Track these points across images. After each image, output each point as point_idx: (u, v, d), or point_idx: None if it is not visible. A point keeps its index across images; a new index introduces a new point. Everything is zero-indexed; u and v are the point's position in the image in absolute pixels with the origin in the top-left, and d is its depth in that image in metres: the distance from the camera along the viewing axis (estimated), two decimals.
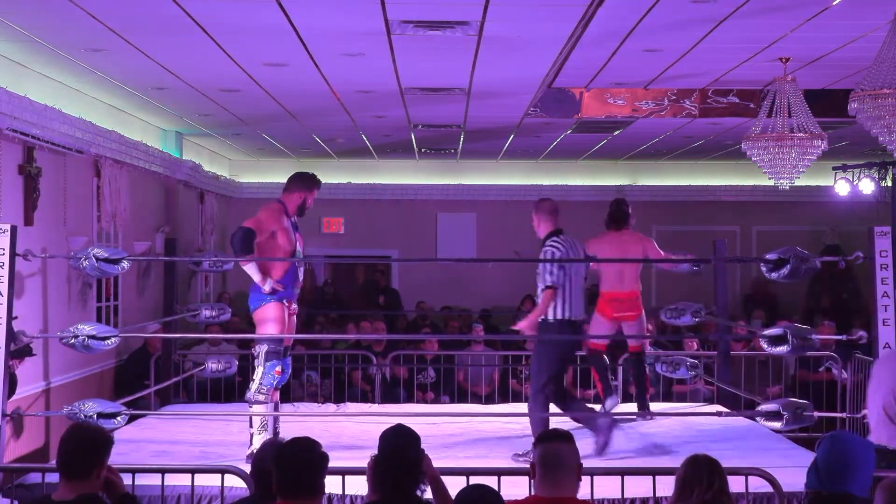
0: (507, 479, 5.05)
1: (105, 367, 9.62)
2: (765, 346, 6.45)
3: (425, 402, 10.25)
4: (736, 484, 4.71)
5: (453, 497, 3.94)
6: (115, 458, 4.01)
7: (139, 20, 6.50)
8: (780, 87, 7.82)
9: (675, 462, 4.06)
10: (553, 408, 7.04)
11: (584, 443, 6.76)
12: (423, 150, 14.33)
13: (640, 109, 9.38)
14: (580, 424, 7.34)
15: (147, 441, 7.37)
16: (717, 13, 6.45)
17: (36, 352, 7.52)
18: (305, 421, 7.63)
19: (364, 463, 4.06)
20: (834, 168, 13.21)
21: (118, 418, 6.36)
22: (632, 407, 8.73)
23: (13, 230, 6.27)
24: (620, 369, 9.60)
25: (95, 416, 6.17)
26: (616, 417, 8.31)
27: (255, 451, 6.21)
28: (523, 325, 7.09)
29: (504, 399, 10.09)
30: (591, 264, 7.56)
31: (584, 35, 6.84)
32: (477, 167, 15.84)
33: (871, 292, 6.43)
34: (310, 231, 13.93)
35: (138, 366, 9.64)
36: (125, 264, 6.59)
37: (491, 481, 4.43)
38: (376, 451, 4.07)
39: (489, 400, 10.28)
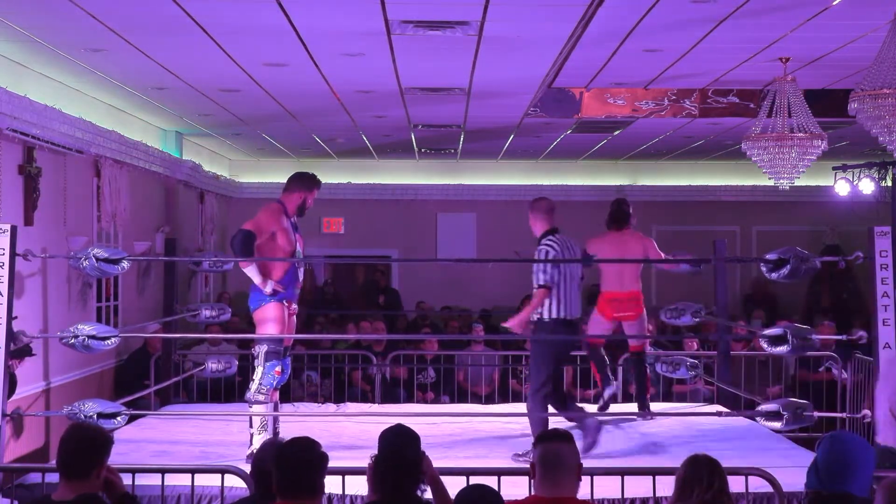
0: (507, 479, 5.05)
1: (105, 367, 9.62)
2: (765, 346, 6.45)
3: (425, 402, 10.25)
4: (736, 484, 4.71)
5: (453, 497, 3.94)
6: (115, 458, 4.01)
7: (139, 20, 6.50)
8: (780, 87, 7.82)
9: (675, 462, 4.06)
10: (551, 408, 7.05)
11: (585, 442, 6.78)
12: (423, 150, 14.33)
13: (640, 109, 9.38)
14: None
15: (147, 441, 7.37)
16: (717, 13, 6.45)
17: (36, 352, 7.52)
18: (305, 421, 7.63)
19: (364, 463, 4.06)
20: (834, 168, 13.21)
21: (118, 418, 6.36)
22: (632, 407, 8.73)
23: (13, 230, 6.26)
24: (620, 369, 9.61)
25: (95, 416, 6.17)
26: (615, 417, 8.35)
27: (255, 451, 6.22)
28: (513, 323, 7.09)
29: (504, 399, 10.09)
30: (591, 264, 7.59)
31: (584, 35, 6.84)
32: (477, 167, 15.84)
33: (871, 292, 6.43)
34: (310, 231, 13.93)
35: (138, 366, 9.64)
36: (125, 264, 6.59)
37: (491, 481, 4.43)
38: (376, 452, 4.07)
39: (489, 400, 10.28)
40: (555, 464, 3.83)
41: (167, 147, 11.56)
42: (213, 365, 8.65)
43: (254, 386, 6.76)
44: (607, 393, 8.30)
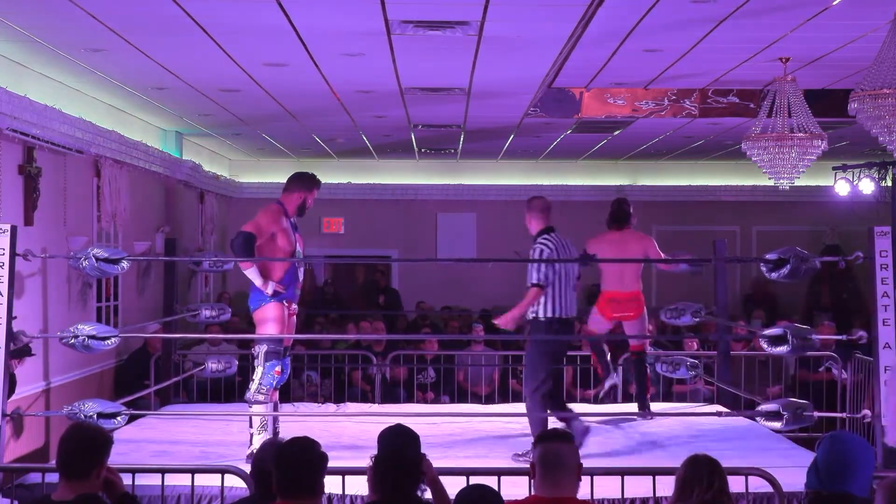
0: (507, 479, 5.05)
1: (105, 367, 9.62)
2: (765, 346, 6.45)
3: (425, 402, 10.25)
4: (736, 484, 4.71)
5: (453, 497, 3.94)
6: (115, 458, 4.01)
7: (139, 20, 6.50)
8: (780, 87, 7.82)
9: (675, 462, 4.06)
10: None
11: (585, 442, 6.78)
12: (423, 150, 14.33)
13: (640, 109, 9.38)
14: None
15: (147, 441, 7.37)
16: (717, 13, 6.45)
17: (36, 352, 7.52)
18: (305, 421, 7.62)
19: (364, 463, 4.06)
20: (834, 168, 13.21)
21: (118, 418, 6.36)
22: (632, 407, 8.73)
23: (13, 230, 6.27)
24: (621, 369, 9.61)
25: (95, 416, 6.17)
26: (615, 417, 8.36)
27: (255, 451, 6.22)
28: (503, 320, 7.10)
29: (504, 399, 10.09)
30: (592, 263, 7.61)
31: (584, 35, 6.84)
32: (477, 167, 15.84)
33: (871, 292, 6.43)
34: (310, 231, 13.93)
35: (138, 366, 9.64)
36: (125, 264, 6.59)
37: (491, 481, 4.43)
38: (376, 452, 4.07)
39: (489, 400, 10.28)
40: (555, 464, 3.83)
41: (167, 147, 11.56)
42: (213, 365, 8.66)
43: (253, 386, 6.77)
44: (608, 383, 8.33)
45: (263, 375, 6.75)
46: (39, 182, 7.96)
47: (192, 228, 13.02)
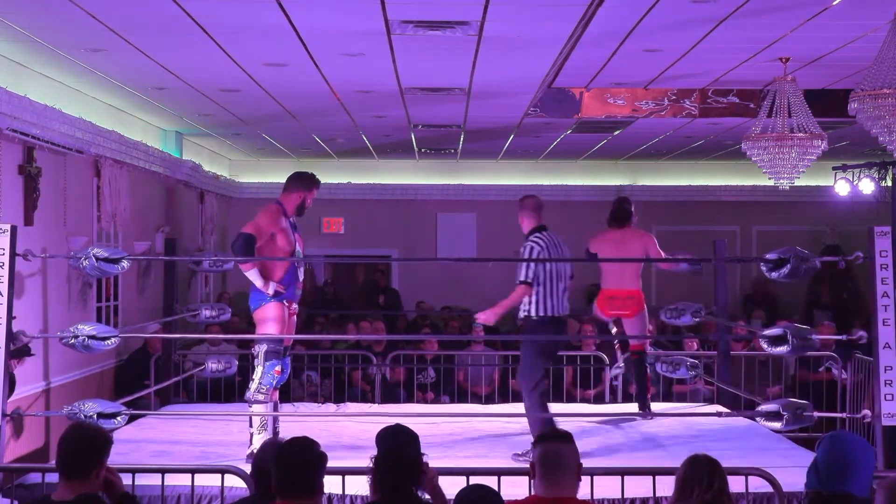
0: (507, 479, 5.05)
1: (105, 367, 9.62)
2: (765, 346, 6.45)
3: (425, 402, 10.25)
4: (736, 484, 4.71)
5: (453, 497, 3.94)
6: (115, 458, 4.01)
7: (139, 20, 6.50)
8: (780, 87, 7.82)
9: (675, 462, 4.06)
10: (550, 407, 7.07)
11: (585, 442, 6.78)
12: (423, 150, 14.33)
13: (640, 109, 9.38)
14: (582, 424, 7.36)
15: (147, 441, 7.37)
16: (717, 13, 6.45)
17: (36, 352, 7.52)
18: (305, 421, 7.63)
19: (364, 463, 4.06)
20: (834, 168, 13.21)
21: (118, 418, 6.36)
22: (632, 407, 8.73)
23: (13, 230, 6.27)
24: (619, 373, 9.61)
25: (95, 416, 6.17)
26: (615, 417, 8.37)
27: (255, 450, 6.22)
28: (485, 315, 7.10)
29: (504, 399, 10.09)
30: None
31: (584, 35, 6.84)
32: (477, 167, 15.84)
33: (871, 292, 6.43)
34: (310, 231, 13.92)
35: (138, 366, 9.64)
36: (125, 264, 6.59)
37: (491, 481, 4.43)
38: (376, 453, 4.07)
39: (489, 400, 10.28)
40: (555, 464, 3.83)
41: (167, 147, 11.56)
42: (213, 365, 8.66)
43: (253, 385, 6.77)
44: (613, 373, 8.36)
45: (263, 375, 6.75)
46: (39, 182, 7.96)
47: (192, 228, 13.02)
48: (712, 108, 9.35)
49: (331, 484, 4.89)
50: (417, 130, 11.85)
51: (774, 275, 6.44)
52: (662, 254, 8.35)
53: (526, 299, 6.95)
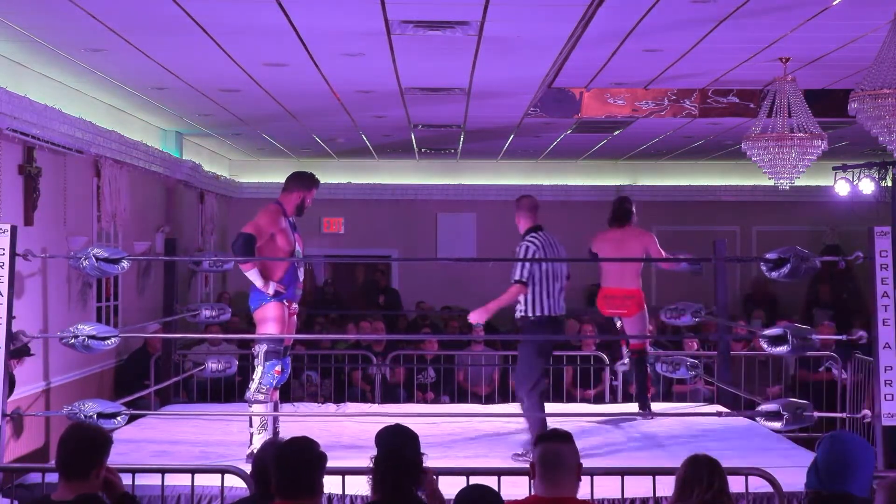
0: (507, 479, 5.05)
1: (105, 367, 9.62)
2: (765, 346, 6.45)
3: (425, 402, 10.25)
4: (736, 484, 4.71)
5: (453, 497, 3.94)
6: (115, 458, 4.01)
7: (139, 20, 6.50)
8: (780, 87, 7.82)
9: (675, 462, 4.06)
10: (548, 407, 7.09)
11: (585, 442, 6.78)
12: (423, 150, 14.33)
13: (640, 109, 9.38)
14: (582, 424, 7.35)
15: (147, 441, 7.37)
16: (717, 13, 6.45)
17: (36, 352, 7.52)
18: (305, 421, 7.63)
19: (364, 463, 4.06)
20: (834, 168, 13.21)
21: (118, 418, 6.36)
22: (632, 407, 8.73)
23: (13, 230, 6.27)
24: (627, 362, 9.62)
25: (95, 416, 6.17)
26: (615, 417, 8.38)
27: (255, 450, 6.22)
28: (477, 316, 7.13)
29: (504, 399, 10.08)
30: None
31: (584, 35, 6.84)
32: (477, 167, 15.84)
33: (871, 292, 6.43)
34: (310, 231, 13.93)
35: (138, 366, 9.64)
36: (125, 264, 6.59)
37: (491, 481, 4.44)
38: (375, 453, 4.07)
39: (489, 400, 10.28)
40: (555, 464, 3.83)
41: (167, 147, 11.56)
42: (213, 365, 8.66)
43: (253, 385, 6.77)
44: (619, 369, 8.44)
45: (263, 375, 6.75)
46: (39, 182, 7.96)
47: (192, 228, 13.02)
48: (712, 108, 9.35)
49: (331, 484, 4.90)
50: (417, 130, 11.85)
51: (774, 275, 6.44)
52: (663, 253, 8.36)
53: (522, 300, 6.96)
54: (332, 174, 14.98)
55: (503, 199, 15.59)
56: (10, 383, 6.58)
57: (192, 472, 5.47)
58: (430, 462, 4.13)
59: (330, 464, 3.82)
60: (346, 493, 5.52)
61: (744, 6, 6.22)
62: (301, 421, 7.56)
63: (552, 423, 6.85)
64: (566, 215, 14.55)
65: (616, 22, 6.68)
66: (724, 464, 3.96)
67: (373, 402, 9.71)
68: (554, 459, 3.84)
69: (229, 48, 7.23)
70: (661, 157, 14.99)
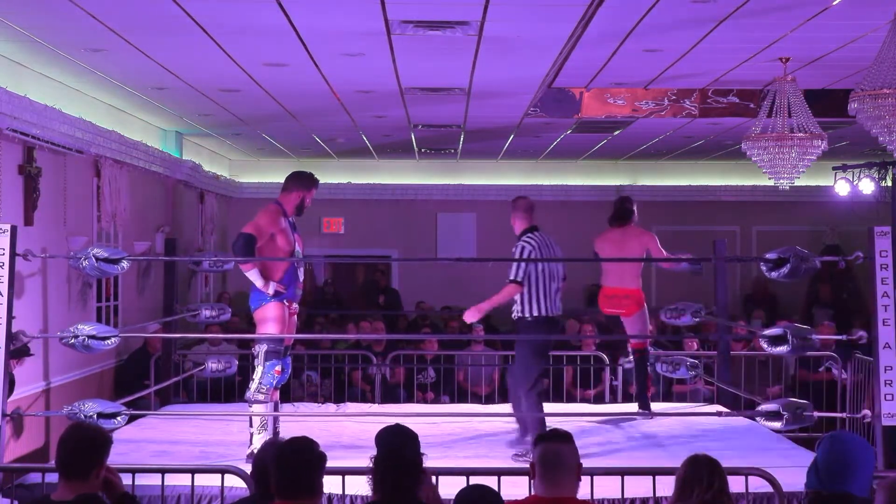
0: (507, 479, 5.06)
1: (105, 367, 9.62)
2: (765, 346, 6.46)
3: (425, 402, 10.25)
4: (736, 484, 4.71)
5: (453, 497, 3.94)
6: (115, 458, 4.01)
7: (139, 20, 6.50)
8: (780, 87, 7.82)
9: (675, 462, 4.06)
10: (549, 407, 7.09)
11: (585, 442, 6.78)
12: (423, 150, 14.32)
13: (640, 109, 9.38)
14: (582, 424, 7.35)
15: (147, 441, 7.37)
16: (717, 13, 6.45)
17: (36, 352, 7.52)
18: (305, 421, 7.63)
19: (364, 463, 4.06)
20: (834, 168, 13.21)
21: (118, 418, 6.36)
22: (632, 407, 8.73)
23: (13, 230, 6.27)
24: (620, 369, 9.62)
25: (95, 416, 6.17)
26: (615, 417, 8.38)
27: (255, 450, 6.22)
28: (470, 314, 7.15)
29: (504, 399, 10.05)
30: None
31: (584, 35, 6.84)
32: (477, 167, 15.84)
33: (871, 292, 6.43)
34: (310, 231, 13.92)
35: (138, 366, 9.64)
36: (125, 264, 6.59)
37: (491, 481, 4.44)
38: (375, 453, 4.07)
39: (489, 400, 10.28)
40: (555, 464, 3.83)
41: (167, 147, 11.56)
42: (213, 365, 8.66)
43: (253, 385, 6.77)
44: (624, 366, 8.63)
45: (263, 375, 6.75)
46: (39, 182, 7.96)
47: (192, 228, 13.02)
48: (712, 108, 9.35)
49: (331, 484, 4.90)
50: (417, 130, 11.85)
51: (774, 275, 6.44)
52: (664, 252, 8.36)
53: (519, 300, 6.97)
54: (332, 174, 14.98)
55: (503, 199, 15.54)
56: (10, 383, 6.58)
57: (192, 472, 5.47)
58: (430, 462, 4.13)
59: (330, 464, 3.82)
60: (346, 493, 5.52)
61: (744, 6, 6.22)
62: (301, 421, 7.56)
63: (552, 423, 6.86)
64: (566, 215, 14.56)
65: (616, 22, 6.68)
66: (724, 464, 3.96)
67: (373, 402, 9.71)
68: (554, 459, 3.84)
69: (229, 48, 7.23)
70: (661, 157, 14.99)
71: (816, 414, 6.52)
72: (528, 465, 4.07)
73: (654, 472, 5.36)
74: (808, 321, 11.46)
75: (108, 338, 6.44)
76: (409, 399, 10.31)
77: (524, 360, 7.06)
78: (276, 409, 7.18)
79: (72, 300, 8.77)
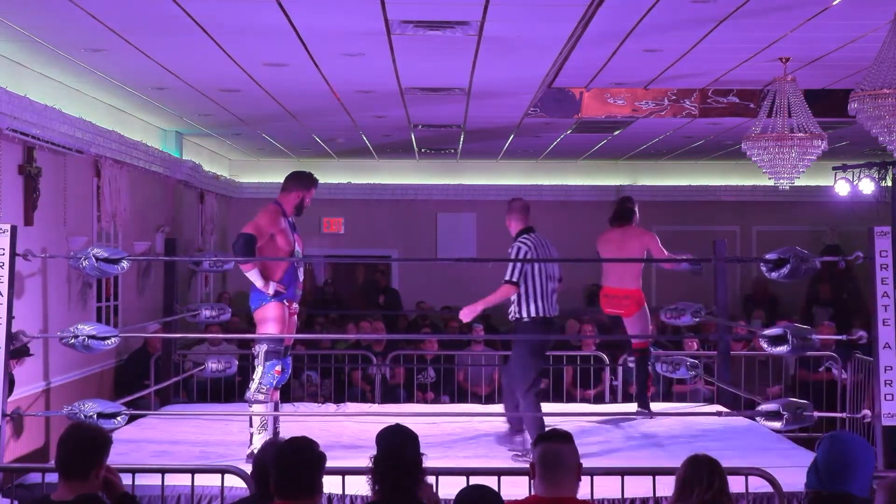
0: (507, 479, 5.06)
1: (105, 367, 9.62)
2: (765, 346, 6.46)
3: (425, 402, 10.25)
4: (736, 484, 4.71)
5: (453, 497, 3.94)
6: (115, 458, 4.01)
7: (139, 20, 6.50)
8: (780, 87, 7.82)
9: (675, 462, 4.06)
10: (549, 407, 7.09)
11: (585, 442, 6.78)
12: (423, 150, 14.32)
13: (640, 109, 9.38)
14: (582, 424, 7.35)
15: (147, 441, 7.37)
16: (717, 13, 6.45)
17: (36, 352, 7.52)
18: (305, 421, 7.63)
19: (364, 463, 4.06)
20: (834, 168, 13.21)
21: (118, 418, 6.36)
22: (632, 407, 8.73)
23: (13, 230, 6.27)
24: (620, 369, 9.62)
25: (95, 416, 6.17)
26: (615, 417, 8.38)
27: (255, 450, 6.22)
28: (464, 314, 7.17)
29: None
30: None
31: (584, 35, 6.84)
32: (477, 167, 15.84)
33: (871, 292, 6.43)
34: (310, 231, 13.93)
35: (138, 366, 9.64)
36: (125, 264, 6.59)
37: (491, 481, 4.44)
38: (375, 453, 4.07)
39: (489, 400, 10.28)
40: (555, 464, 3.83)
41: (167, 147, 11.56)
42: (213, 365, 8.66)
43: (254, 385, 6.77)
44: (629, 361, 8.66)
45: (263, 375, 6.75)
46: (39, 182, 7.96)
47: (192, 228, 13.02)
48: (712, 108, 9.35)
49: (331, 484, 4.90)
50: (417, 130, 11.85)
51: (774, 275, 6.44)
52: (665, 252, 8.36)
53: (516, 301, 6.98)
54: (332, 174, 14.98)
55: (503, 199, 15.46)
56: (10, 383, 6.58)
57: (192, 472, 5.47)
58: (430, 462, 4.13)
59: (330, 464, 3.82)
60: (346, 493, 5.52)
61: (744, 6, 6.22)
62: (301, 421, 7.56)
63: (552, 423, 6.86)
64: (566, 215, 14.56)
65: (616, 22, 6.68)
66: (724, 464, 3.96)
67: (373, 402, 9.71)
68: (554, 459, 3.84)
69: (229, 48, 7.23)
70: (661, 157, 14.99)
71: (816, 414, 6.52)
72: (527, 465, 4.08)
73: (654, 472, 5.36)
74: (808, 321, 11.46)
75: (108, 338, 6.44)
76: (409, 399, 10.31)
77: (522, 361, 7.07)
78: (276, 409, 7.18)
79: (72, 300, 8.77)
